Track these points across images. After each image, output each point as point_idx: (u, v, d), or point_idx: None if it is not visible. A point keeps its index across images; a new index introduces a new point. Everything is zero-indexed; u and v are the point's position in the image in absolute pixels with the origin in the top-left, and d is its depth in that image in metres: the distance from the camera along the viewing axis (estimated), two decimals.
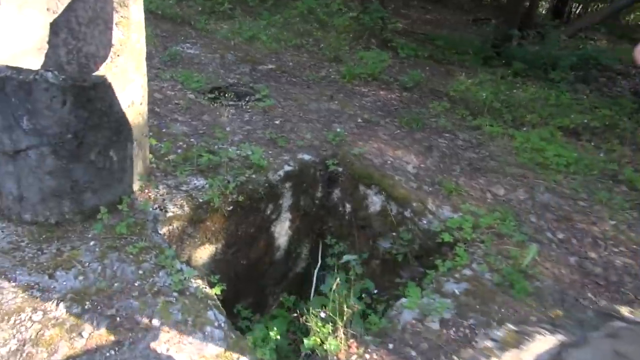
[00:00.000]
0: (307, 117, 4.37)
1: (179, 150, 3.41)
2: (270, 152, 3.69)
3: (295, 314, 3.66)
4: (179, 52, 5.33)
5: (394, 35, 7.04)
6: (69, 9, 2.88)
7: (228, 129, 3.83)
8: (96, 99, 2.46)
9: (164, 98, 4.25)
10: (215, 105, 4.32)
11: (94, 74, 2.46)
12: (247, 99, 4.48)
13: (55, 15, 2.89)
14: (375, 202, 3.63)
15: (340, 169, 3.79)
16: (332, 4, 6.94)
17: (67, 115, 2.40)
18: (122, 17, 2.61)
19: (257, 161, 3.42)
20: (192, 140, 3.65)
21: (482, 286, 2.69)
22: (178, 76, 4.68)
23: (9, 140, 2.41)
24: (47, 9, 2.87)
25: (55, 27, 2.92)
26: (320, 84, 5.23)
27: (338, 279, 2.19)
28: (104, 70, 2.48)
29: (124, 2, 2.61)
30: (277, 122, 4.20)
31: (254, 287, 3.78)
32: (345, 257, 2.70)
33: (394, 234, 3.46)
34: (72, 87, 2.36)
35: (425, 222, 3.32)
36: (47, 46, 2.94)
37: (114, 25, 2.59)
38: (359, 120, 4.50)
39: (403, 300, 2.59)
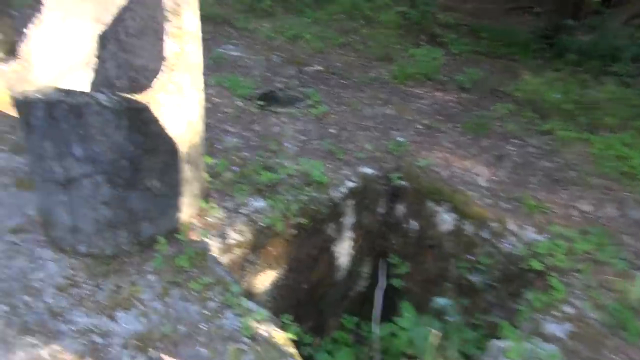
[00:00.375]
0: (363, 125, 4.06)
1: (235, 168, 3.15)
2: (329, 165, 3.40)
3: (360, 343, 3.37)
4: (222, 54, 5.08)
5: (444, 30, 6.63)
6: (117, 19, 2.64)
7: (286, 145, 3.54)
8: (152, 121, 2.21)
9: (212, 107, 4.00)
10: (266, 112, 4.05)
11: (148, 92, 2.21)
12: (298, 106, 4.20)
13: (103, 26, 2.65)
14: (446, 220, 3.30)
15: (405, 183, 3.47)
16: None
17: (122, 140, 2.16)
18: (175, 27, 2.35)
19: (318, 178, 3.14)
20: (245, 154, 3.39)
21: (588, 327, 2.35)
22: (224, 81, 4.43)
23: (61, 168, 2.19)
24: (94, 19, 2.63)
25: (103, 39, 2.69)
26: (372, 86, 4.90)
27: (437, 332, 1.89)
28: (159, 87, 2.23)
29: (176, 10, 2.34)
30: (332, 130, 3.91)
31: (315, 310, 3.51)
32: (439, 302, 2.40)
33: (469, 257, 3.13)
34: (127, 110, 2.12)
35: (507, 244, 2.99)
36: (95, 60, 2.71)
37: (166, 37, 2.32)
38: (419, 126, 4.16)
39: (497, 343, 2.28)
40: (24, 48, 2.29)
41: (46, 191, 2.32)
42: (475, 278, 3.07)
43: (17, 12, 5.30)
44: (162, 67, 2.29)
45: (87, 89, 2.73)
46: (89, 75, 2.73)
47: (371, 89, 4.82)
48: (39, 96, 2.06)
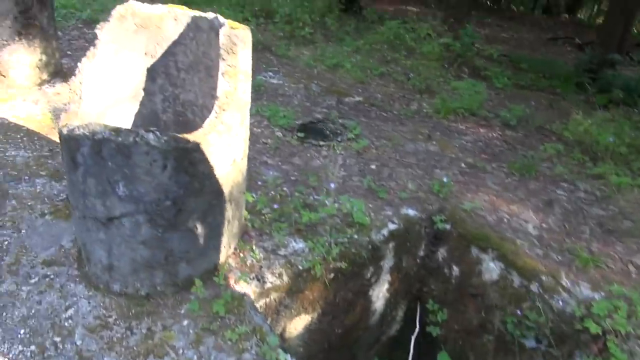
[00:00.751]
0: (405, 161, 3.94)
1: (274, 205, 3.07)
2: (370, 205, 3.29)
3: None
4: (262, 82, 5.06)
5: (486, 62, 6.49)
6: (168, 53, 2.62)
7: (326, 180, 3.44)
8: (200, 162, 2.15)
9: (252, 136, 3.94)
10: (305, 145, 3.98)
11: (199, 132, 2.14)
12: (338, 139, 4.11)
13: (154, 60, 2.63)
14: (491, 269, 3.13)
15: (449, 227, 3.33)
16: (419, 29, 6.49)
17: (167, 180, 2.10)
18: (229, 65, 2.30)
19: (359, 219, 3.03)
20: (285, 189, 3.31)
21: None
22: (264, 111, 4.39)
23: (102, 206, 2.13)
24: (145, 53, 2.61)
25: (152, 73, 2.66)
26: (414, 120, 4.79)
27: None
28: (210, 127, 2.17)
29: (232, 49, 2.29)
30: (373, 166, 3.80)
31: (347, 354, 3.37)
32: None
33: (516, 311, 2.95)
34: (174, 150, 2.06)
35: (559, 301, 2.80)
36: (142, 93, 2.69)
37: (220, 75, 2.27)
38: (463, 165, 4.02)
39: None
40: (75, 81, 2.27)
41: (85, 227, 2.27)
42: (521, 335, 2.89)
43: (62, 32, 5.42)
44: (214, 107, 2.23)
45: (133, 121, 2.71)
46: (136, 108, 2.71)
47: (412, 123, 4.71)
48: (87, 133, 2.02)
